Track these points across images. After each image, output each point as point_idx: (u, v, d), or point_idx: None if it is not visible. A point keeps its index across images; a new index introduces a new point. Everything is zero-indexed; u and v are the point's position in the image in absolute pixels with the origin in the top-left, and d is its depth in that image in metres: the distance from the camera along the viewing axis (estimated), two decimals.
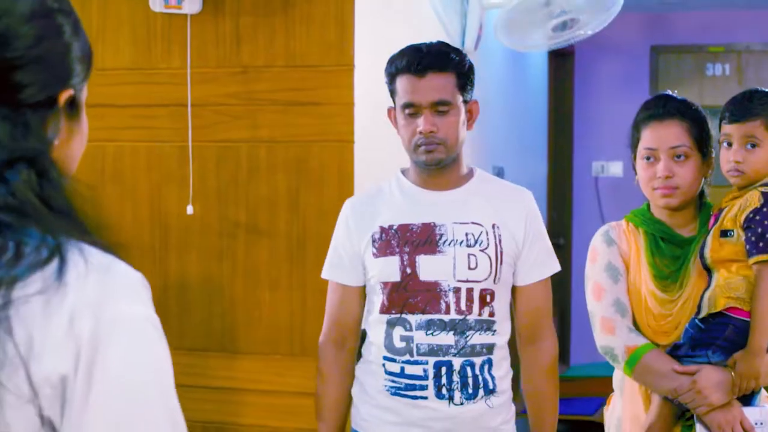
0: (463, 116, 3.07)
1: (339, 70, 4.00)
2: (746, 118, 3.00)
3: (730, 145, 3.04)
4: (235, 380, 4.17)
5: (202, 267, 4.18)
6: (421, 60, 3.02)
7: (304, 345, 4.05)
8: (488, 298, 3.05)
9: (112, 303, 1.27)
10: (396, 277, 3.05)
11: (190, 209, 4.13)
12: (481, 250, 3.04)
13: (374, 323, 3.12)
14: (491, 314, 3.05)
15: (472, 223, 3.07)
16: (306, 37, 4.03)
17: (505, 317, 3.12)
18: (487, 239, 3.05)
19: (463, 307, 3.02)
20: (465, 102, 3.08)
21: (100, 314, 1.25)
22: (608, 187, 8.77)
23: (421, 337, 3.02)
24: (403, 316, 3.05)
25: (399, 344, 3.05)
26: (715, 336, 2.97)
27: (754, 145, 3.00)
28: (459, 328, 3.01)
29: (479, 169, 3.21)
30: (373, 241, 3.10)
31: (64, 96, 1.39)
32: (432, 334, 3.02)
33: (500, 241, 3.06)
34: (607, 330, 3.10)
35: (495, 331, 3.07)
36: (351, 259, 3.15)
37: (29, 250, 1.25)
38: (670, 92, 3.22)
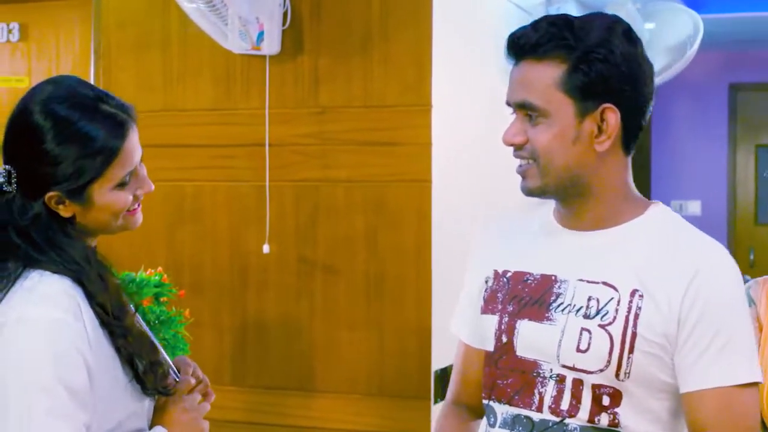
0: (573, 130, 2.02)
1: (416, 110, 4.01)
2: None
3: None
4: (312, 419, 4.17)
5: (280, 306, 4.20)
6: (520, 39, 2.04)
7: (382, 384, 4.04)
8: (606, 400, 1.99)
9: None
10: (490, 345, 2.13)
11: (266, 248, 4.15)
12: (601, 326, 1.98)
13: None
14: (613, 424, 1.99)
15: (603, 283, 2.01)
16: (384, 78, 4.05)
17: None
18: (616, 311, 1.98)
19: (563, 405, 2.01)
20: (584, 109, 2.01)
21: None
22: None
23: None
24: (491, 403, 2.12)
25: None
26: None
27: None
28: None
29: (661, 206, 2.15)
30: (485, 290, 2.19)
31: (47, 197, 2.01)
32: None
33: (637, 316, 1.97)
34: None
35: None
36: (474, 307, 2.22)
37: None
38: None
